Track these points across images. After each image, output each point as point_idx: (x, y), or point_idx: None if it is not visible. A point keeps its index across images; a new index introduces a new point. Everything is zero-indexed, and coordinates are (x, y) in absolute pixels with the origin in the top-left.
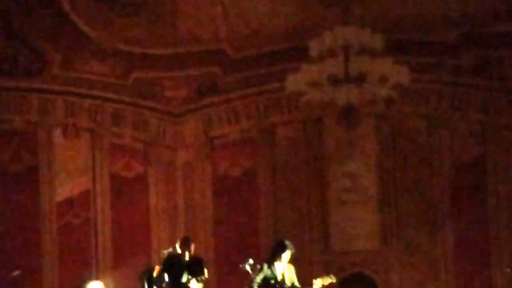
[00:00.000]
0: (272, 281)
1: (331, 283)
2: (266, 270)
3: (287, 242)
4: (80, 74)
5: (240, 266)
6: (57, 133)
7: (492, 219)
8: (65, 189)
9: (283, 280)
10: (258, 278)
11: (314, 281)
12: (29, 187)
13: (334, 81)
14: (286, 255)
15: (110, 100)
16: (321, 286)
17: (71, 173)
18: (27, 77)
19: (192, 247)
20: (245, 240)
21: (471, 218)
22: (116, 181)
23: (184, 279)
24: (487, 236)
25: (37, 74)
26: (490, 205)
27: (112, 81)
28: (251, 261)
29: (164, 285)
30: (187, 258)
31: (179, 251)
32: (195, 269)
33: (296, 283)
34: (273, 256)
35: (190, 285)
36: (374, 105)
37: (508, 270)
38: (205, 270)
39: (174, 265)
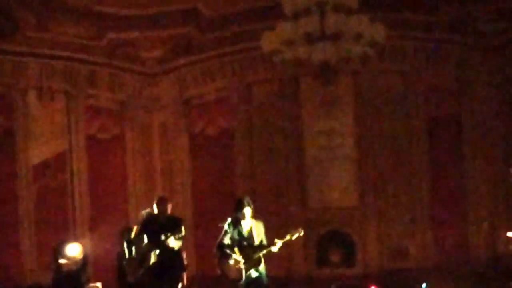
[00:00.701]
0: (240, 240)
1: (298, 237)
2: (231, 231)
3: (245, 199)
4: (54, 36)
5: (219, 225)
6: (32, 95)
7: (469, 174)
8: (41, 151)
9: (251, 237)
10: (226, 240)
11: (276, 240)
12: (5, 150)
13: (310, 39)
14: (247, 211)
15: (84, 61)
16: (287, 240)
17: (46, 135)
18: (0, 39)
19: (169, 206)
20: (223, 199)
21: (447, 174)
22: (92, 142)
23: (162, 237)
24: (464, 191)
25: (10, 36)
26: (467, 160)
27: (86, 42)
28: (230, 220)
29: (143, 245)
30: (164, 217)
31: (155, 210)
32: (172, 227)
33: (265, 241)
34: (235, 215)
35: (168, 243)
36: (350, 63)
37: (485, 223)
38: (183, 229)
39: (152, 224)
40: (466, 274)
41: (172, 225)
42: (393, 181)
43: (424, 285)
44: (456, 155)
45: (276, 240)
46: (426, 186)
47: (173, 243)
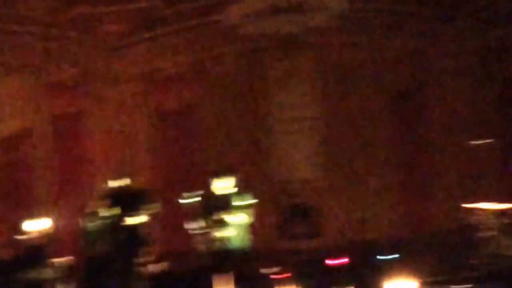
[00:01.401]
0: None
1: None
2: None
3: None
4: (19, 11)
5: (184, 197)
6: None
7: (433, 146)
8: (5, 126)
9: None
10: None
11: None
12: None
13: (276, 11)
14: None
15: (47, 36)
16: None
17: (10, 111)
18: None
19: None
20: (188, 172)
21: (412, 146)
22: (55, 117)
23: (131, 212)
24: (428, 162)
25: None
26: (431, 132)
27: (52, 16)
28: (195, 193)
29: (108, 219)
30: (128, 192)
31: (120, 184)
32: (137, 201)
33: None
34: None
35: (133, 217)
36: (314, 35)
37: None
38: (148, 203)
39: (116, 198)
40: (432, 244)
41: (136, 199)
42: (358, 154)
43: (389, 255)
44: (421, 127)
45: None
46: (390, 157)
47: (138, 217)
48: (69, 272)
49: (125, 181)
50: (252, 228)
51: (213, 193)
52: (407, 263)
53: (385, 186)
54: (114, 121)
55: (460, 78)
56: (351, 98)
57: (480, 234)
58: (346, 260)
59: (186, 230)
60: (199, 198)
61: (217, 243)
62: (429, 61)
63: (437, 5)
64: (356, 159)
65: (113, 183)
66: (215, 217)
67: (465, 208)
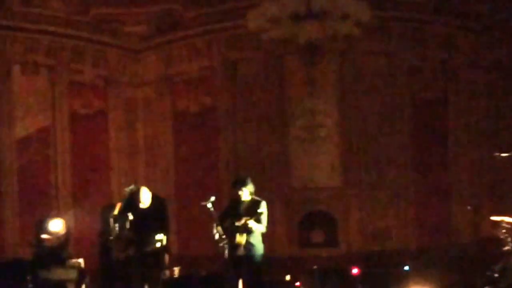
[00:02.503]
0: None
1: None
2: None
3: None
4: (39, 10)
5: (202, 203)
6: (16, 69)
7: (453, 157)
8: (25, 126)
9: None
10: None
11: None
12: None
13: (296, 17)
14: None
15: (69, 36)
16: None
17: (30, 110)
18: None
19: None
20: (205, 177)
21: (432, 156)
22: (75, 118)
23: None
24: (448, 174)
25: None
26: (452, 143)
27: (71, 17)
28: (212, 198)
29: (127, 223)
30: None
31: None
32: (159, 204)
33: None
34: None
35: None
36: (336, 43)
37: (469, 207)
38: (167, 210)
39: (136, 202)
40: (449, 257)
41: (156, 203)
42: (376, 162)
43: (406, 267)
44: (440, 138)
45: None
46: (410, 168)
47: (158, 220)
48: (84, 273)
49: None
50: (269, 235)
51: (233, 199)
52: (426, 274)
53: (405, 195)
54: (134, 122)
55: (482, 88)
56: (370, 106)
57: (504, 248)
58: (358, 270)
59: (203, 234)
60: (213, 202)
61: (236, 249)
62: (452, 71)
63: (461, 16)
64: (375, 167)
65: (133, 185)
66: (233, 222)
67: (490, 220)
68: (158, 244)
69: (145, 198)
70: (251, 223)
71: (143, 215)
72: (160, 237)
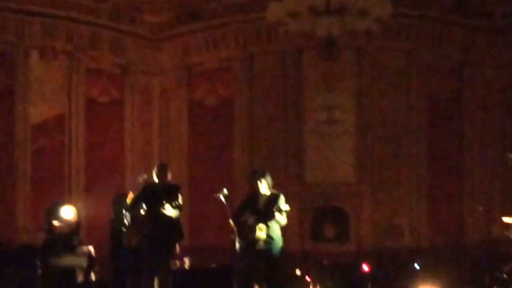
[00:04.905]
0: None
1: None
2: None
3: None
4: None
5: (215, 195)
6: (34, 55)
7: (467, 155)
8: (41, 112)
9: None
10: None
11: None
12: (4, 108)
13: (315, 12)
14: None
15: (88, 23)
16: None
17: (46, 96)
18: None
19: (169, 174)
20: (220, 169)
21: (446, 154)
22: (92, 105)
23: (158, 205)
24: (461, 172)
25: None
26: (466, 141)
27: (91, 4)
28: (225, 190)
29: (140, 212)
30: (163, 185)
31: (155, 177)
32: (169, 195)
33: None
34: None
35: (165, 211)
36: (355, 38)
37: (480, 207)
38: (180, 197)
39: (149, 191)
40: (459, 256)
41: (169, 193)
42: (391, 159)
43: (416, 264)
44: (455, 136)
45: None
46: (424, 166)
47: (170, 211)
48: (94, 260)
49: (161, 174)
50: (284, 229)
51: (250, 192)
52: (435, 273)
53: (419, 193)
54: (149, 111)
55: (498, 88)
56: (387, 103)
57: None
58: (368, 267)
59: (216, 226)
60: (226, 195)
61: (254, 244)
62: (471, 71)
63: (483, 16)
64: (389, 164)
65: (147, 175)
66: (251, 216)
67: (502, 221)
68: (171, 213)
69: (162, 174)
70: (277, 216)
71: (157, 192)
72: (172, 212)
